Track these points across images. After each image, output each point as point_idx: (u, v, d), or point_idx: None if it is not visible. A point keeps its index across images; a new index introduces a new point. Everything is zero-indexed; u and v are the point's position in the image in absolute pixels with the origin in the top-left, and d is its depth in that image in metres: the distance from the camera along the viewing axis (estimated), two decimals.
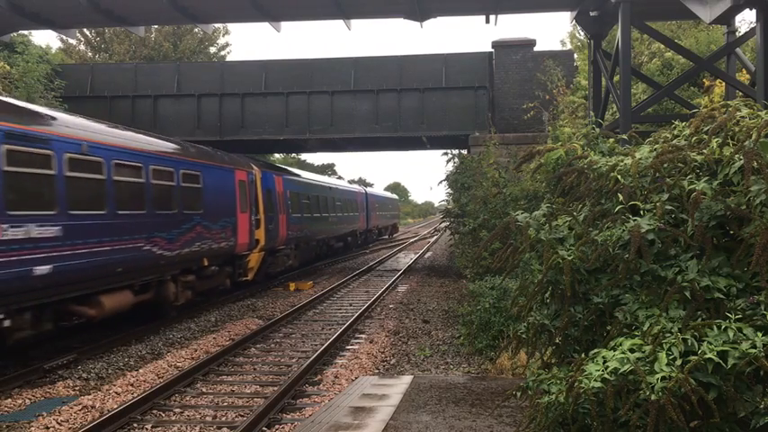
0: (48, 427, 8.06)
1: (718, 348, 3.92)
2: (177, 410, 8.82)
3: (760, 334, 3.91)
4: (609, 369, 4.11)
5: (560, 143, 6.71)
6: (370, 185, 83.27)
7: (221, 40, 44.57)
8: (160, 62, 35.40)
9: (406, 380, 9.30)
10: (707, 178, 4.72)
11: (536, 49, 24.30)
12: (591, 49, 18.69)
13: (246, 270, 19.66)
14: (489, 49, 24.51)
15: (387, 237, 55.38)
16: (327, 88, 24.00)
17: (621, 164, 5.17)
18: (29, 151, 10.23)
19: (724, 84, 16.85)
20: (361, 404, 8.06)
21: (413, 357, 11.69)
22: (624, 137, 7.52)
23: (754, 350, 3.82)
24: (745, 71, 17.65)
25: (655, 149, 5.25)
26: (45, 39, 77.39)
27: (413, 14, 19.11)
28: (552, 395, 4.62)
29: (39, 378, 10.33)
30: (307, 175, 31.01)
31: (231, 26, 45.66)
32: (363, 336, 13.69)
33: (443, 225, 22.87)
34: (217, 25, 33.40)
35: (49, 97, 22.60)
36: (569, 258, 4.83)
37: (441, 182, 21.54)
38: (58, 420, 8.26)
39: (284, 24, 20.45)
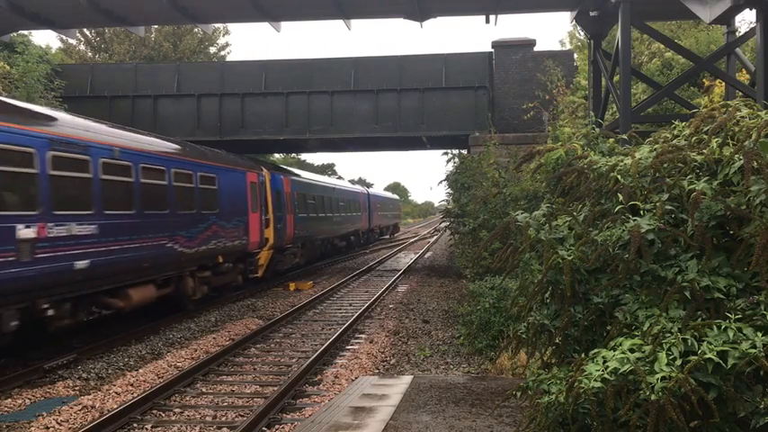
0: (48, 427, 8.06)
1: (718, 348, 3.92)
2: (177, 410, 8.82)
3: (760, 334, 3.91)
4: (609, 369, 4.11)
5: (560, 143, 6.71)
6: (371, 185, 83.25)
7: (221, 41, 44.62)
8: (160, 62, 35.39)
9: (406, 380, 9.30)
10: (707, 178, 4.72)
11: (536, 49, 24.30)
12: (591, 49, 18.69)
13: (257, 267, 20.47)
14: (489, 49, 24.53)
15: (388, 236, 55.53)
16: (327, 88, 23.99)
17: (621, 164, 5.17)
18: (70, 157, 11.27)
19: (724, 84, 16.85)
20: (361, 404, 8.06)
21: (413, 357, 11.69)
22: (624, 137, 7.51)
23: (754, 350, 3.82)
24: (745, 71, 17.65)
25: (655, 149, 5.24)
26: (45, 39, 77.33)
27: (413, 14, 19.12)
28: (552, 395, 4.61)
29: (39, 378, 10.34)
30: (312, 177, 31.26)
31: (231, 26, 45.68)
32: (363, 336, 13.69)
33: (443, 225, 22.87)
34: (217, 25, 33.41)
35: (49, 97, 22.55)
36: (569, 258, 4.83)
37: (441, 182, 21.57)
38: (58, 420, 8.26)
39: (284, 24, 20.48)
